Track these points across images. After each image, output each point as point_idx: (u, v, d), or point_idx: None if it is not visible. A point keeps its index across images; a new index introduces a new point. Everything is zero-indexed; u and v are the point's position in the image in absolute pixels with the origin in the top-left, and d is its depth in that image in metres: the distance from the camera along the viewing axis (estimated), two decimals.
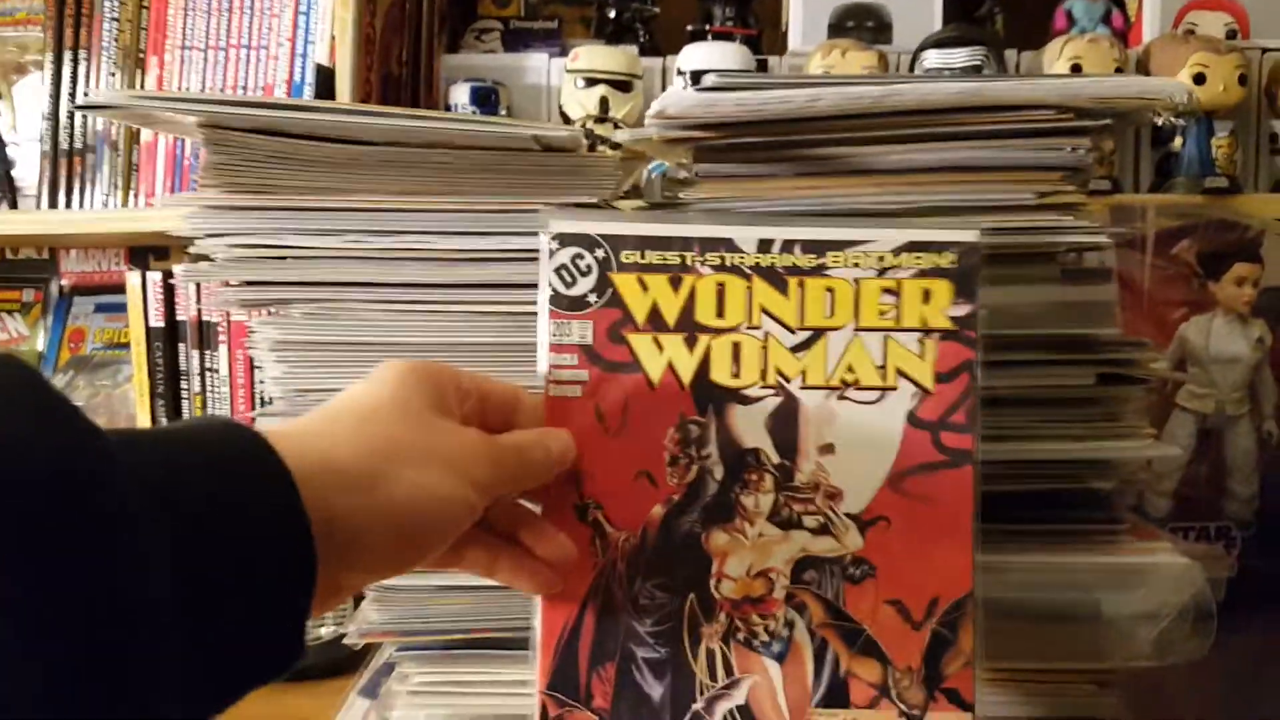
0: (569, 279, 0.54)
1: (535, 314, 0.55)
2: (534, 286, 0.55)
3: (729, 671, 0.54)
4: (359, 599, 0.68)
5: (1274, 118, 1.14)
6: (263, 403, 1.08)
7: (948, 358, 0.54)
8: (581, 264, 0.55)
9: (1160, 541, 0.63)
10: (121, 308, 1.36)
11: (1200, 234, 0.96)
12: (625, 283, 0.54)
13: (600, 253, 0.54)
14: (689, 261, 0.54)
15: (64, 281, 1.42)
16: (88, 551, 0.29)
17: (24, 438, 0.29)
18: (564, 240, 0.55)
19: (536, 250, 0.55)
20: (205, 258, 0.65)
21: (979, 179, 0.61)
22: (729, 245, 0.54)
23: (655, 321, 0.54)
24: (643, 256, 0.55)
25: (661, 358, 0.54)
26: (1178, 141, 1.05)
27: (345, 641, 0.67)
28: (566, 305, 0.54)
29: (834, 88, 0.59)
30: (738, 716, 0.54)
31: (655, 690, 0.54)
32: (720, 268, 0.54)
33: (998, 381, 0.58)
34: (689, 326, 0.54)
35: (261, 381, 0.65)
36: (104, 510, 0.30)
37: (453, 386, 0.48)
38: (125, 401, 1.27)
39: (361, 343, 0.65)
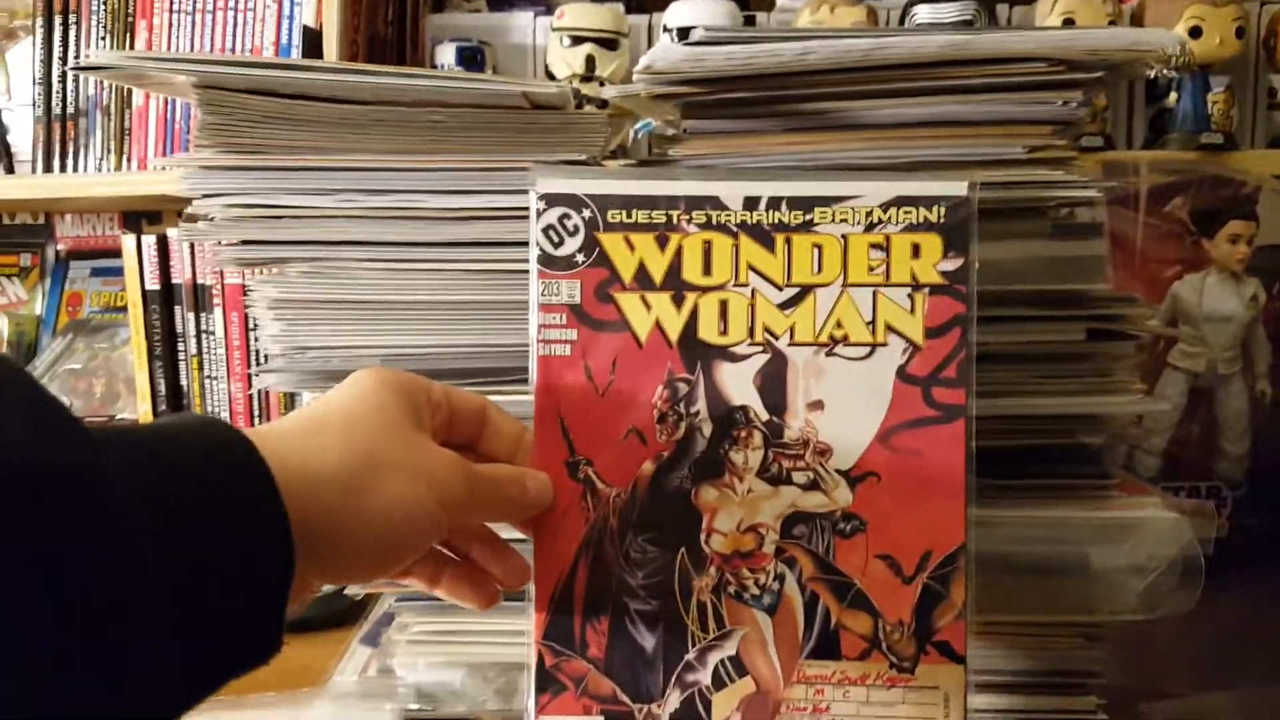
0: (556, 239, 0.55)
1: (526, 272, 0.55)
2: (524, 244, 0.55)
3: (720, 623, 0.54)
4: None
5: (1272, 72, 1.14)
6: (259, 361, 1.09)
7: (939, 312, 0.54)
8: (568, 224, 0.55)
9: (1149, 496, 0.63)
10: (117, 271, 1.36)
11: (1194, 191, 0.95)
12: (612, 242, 0.55)
13: (587, 213, 0.55)
14: (675, 220, 0.55)
15: (60, 246, 1.42)
16: (88, 546, 0.30)
17: (20, 437, 0.29)
18: (551, 200, 0.55)
19: (526, 208, 0.55)
20: (202, 218, 0.65)
21: (969, 133, 0.61)
22: (715, 203, 0.55)
23: (642, 280, 0.54)
24: (629, 216, 0.55)
25: (649, 316, 0.55)
26: (1172, 97, 1.05)
27: (346, 593, 0.68)
28: (554, 265, 0.55)
29: (824, 41, 0.58)
30: (729, 666, 0.54)
31: (648, 641, 0.54)
32: (706, 225, 0.55)
33: (987, 336, 0.58)
34: (676, 285, 0.54)
35: (259, 339, 0.66)
36: (102, 506, 0.31)
37: (425, 398, 0.49)
38: (123, 364, 1.28)
39: (357, 301, 0.65)
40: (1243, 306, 0.94)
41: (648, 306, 0.55)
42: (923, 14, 1.03)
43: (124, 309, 1.35)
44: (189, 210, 0.64)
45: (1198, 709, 0.67)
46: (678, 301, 0.54)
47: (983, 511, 0.55)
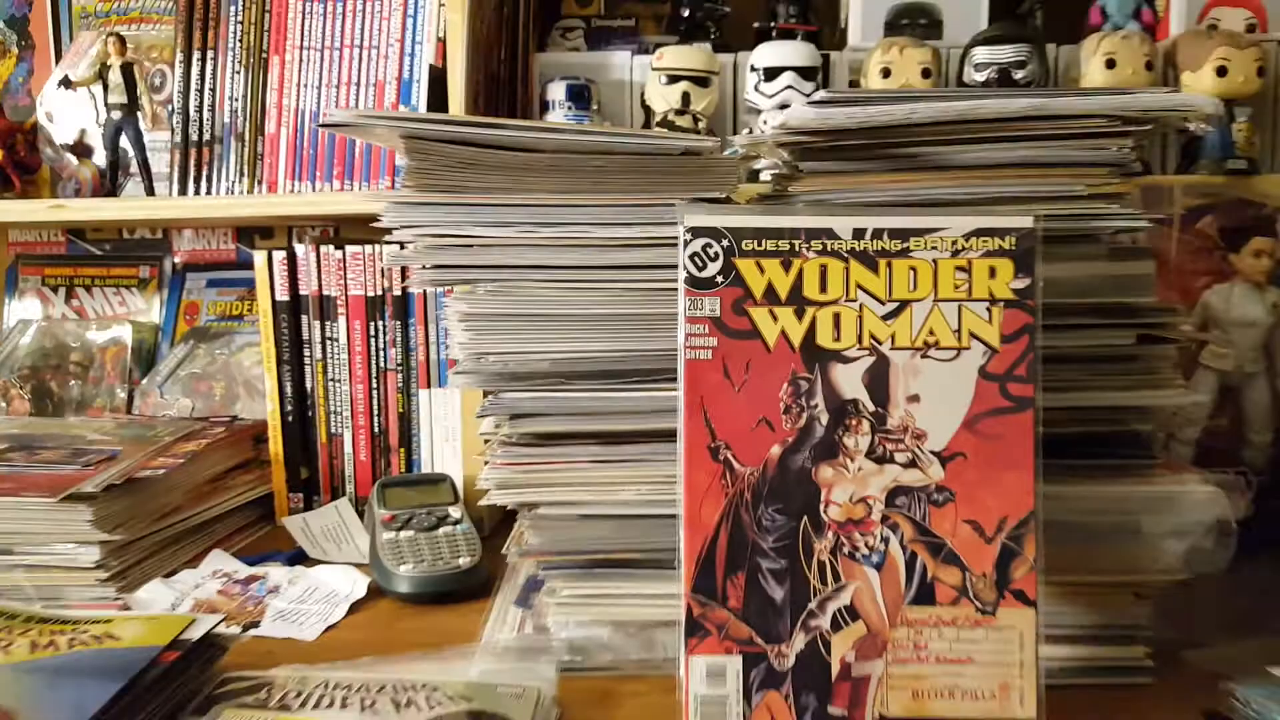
0: (700, 264, 0.66)
1: (672, 289, 0.67)
2: (672, 267, 0.67)
3: (836, 578, 0.66)
4: (504, 531, 0.80)
5: None
6: (380, 365, 1.21)
7: (1012, 322, 0.65)
8: (710, 251, 0.66)
9: (1190, 474, 0.74)
10: (232, 283, 1.49)
11: (1222, 211, 1.04)
12: (746, 266, 0.66)
13: (725, 242, 0.66)
14: (797, 248, 0.66)
15: (177, 259, 1.54)
16: None
17: None
18: (696, 232, 0.66)
19: (672, 237, 0.66)
20: (404, 244, 0.77)
21: (1041, 174, 0.73)
22: (829, 234, 0.66)
23: (770, 297, 0.66)
24: (760, 244, 0.66)
25: (776, 326, 0.66)
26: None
27: (508, 561, 0.79)
28: (698, 285, 0.66)
29: (928, 103, 0.70)
30: (844, 614, 0.66)
31: (777, 593, 0.66)
32: (823, 252, 0.66)
33: (1055, 341, 0.69)
34: (798, 300, 0.66)
35: (448, 346, 0.77)
36: None
37: None
38: (240, 368, 1.39)
39: (533, 314, 0.77)
40: (1266, 313, 1.04)
41: (775, 318, 0.66)
42: (981, 55, 1.14)
43: (239, 317, 1.47)
44: (390, 237, 0.76)
45: (1229, 655, 0.75)
46: (799, 314, 0.66)
47: (1052, 487, 0.66)
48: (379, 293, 1.20)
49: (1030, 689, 0.65)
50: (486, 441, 0.80)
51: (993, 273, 0.65)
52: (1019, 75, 1.13)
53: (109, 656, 0.67)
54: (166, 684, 0.67)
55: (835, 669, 0.66)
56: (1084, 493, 0.73)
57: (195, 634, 0.72)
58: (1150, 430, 0.76)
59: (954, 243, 0.66)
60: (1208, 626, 0.80)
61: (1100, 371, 0.74)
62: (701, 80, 1.20)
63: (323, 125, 0.80)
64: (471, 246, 0.76)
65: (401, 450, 1.22)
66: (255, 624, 0.91)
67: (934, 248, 0.66)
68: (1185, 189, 1.05)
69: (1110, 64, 1.11)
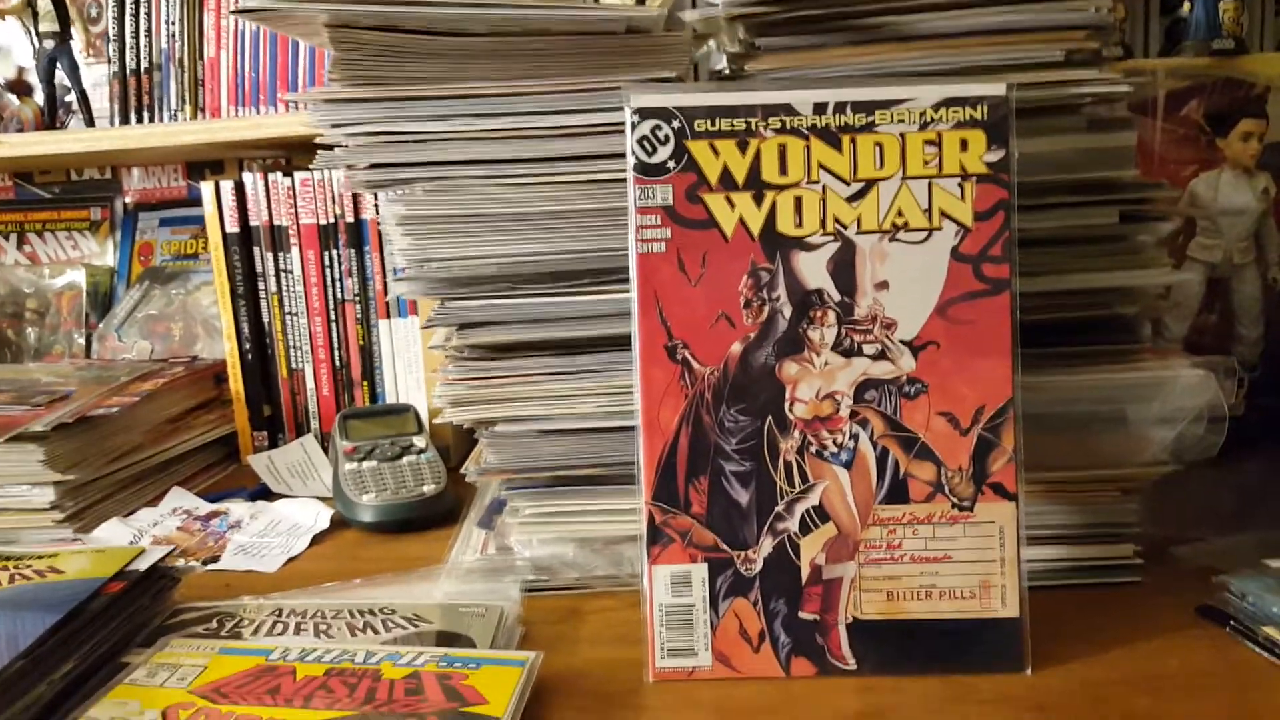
0: (650, 148, 0.62)
1: (623, 181, 0.62)
2: (621, 156, 0.62)
3: (804, 479, 0.63)
4: (464, 454, 0.77)
5: None
6: (338, 296, 1.17)
7: (985, 198, 0.61)
8: (660, 134, 0.62)
9: (1178, 358, 0.71)
10: (185, 220, 1.44)
11: (1208, 93, 1.00)
12: (699, 149, 0.62)
13: (676, 123, 0.62)
14: (754, 126, 0.62)
15: (128, 199, 1.49)
16: None
17: None
18: (644, 114, 0.62)
19: (621, 123, 0.62)
20: (336, 146, 0.73)
21: (1014, 40, 0.68)
22: (788, 109, 0.62)
23: (726, 182, 0.62)
24: (713, 124, 0.62)
25: (733, 214, 0.62)
26: (1185, 6, 1.08)
27: (468, 480, 0.76)
28: (648, 172, 0.62)
29: None
30: (813, 515, 0.63)
31: (743, 497, 0.63)
32: (781, 130, 0.62)
33: (1033, 223, 0.66)
34: (756, 185, 0.62)
35: (392, 254, 0.73)
36: None
37: None
38: (198, 307, 1.35)
39: (475, 214, 0.73)
40: (1255, 199, 1.00)
41: (732, 205, 0.62)
42: None
43: (194, 256, 1.43)
44: (322, 139, 0.71)
45: (1221, 550, 0.73)
46: (758, 200, 0.62)
47: (1031, 378, 0.63)
48: (331, 220, 1.15)
49: (1013, 586, 0.62)
50: (446, 356, 0.76)
51: (964, 145, 0.61)
52: None
53: (50, 590, 0.65)
54: (111, 616, 0.65)
55: (805, 573, 0.63)
56: (1066, 381, 0.69)
57: (143, 565, 0.70)
58: (1136, 313, 0.72)
59: (922, 114, 0.61)
60: (1197, 522, 0.78)
61: (1081, 252, 0.70)
62: None
63: (236, 12, 0.74)
64: (407, 143, 0.72)
65: (365, 383, 1.18)
66: (215, 559, 0.88)
67: (900, 121, 0.62)
68: (1169, 72, 1.00)
69: None
